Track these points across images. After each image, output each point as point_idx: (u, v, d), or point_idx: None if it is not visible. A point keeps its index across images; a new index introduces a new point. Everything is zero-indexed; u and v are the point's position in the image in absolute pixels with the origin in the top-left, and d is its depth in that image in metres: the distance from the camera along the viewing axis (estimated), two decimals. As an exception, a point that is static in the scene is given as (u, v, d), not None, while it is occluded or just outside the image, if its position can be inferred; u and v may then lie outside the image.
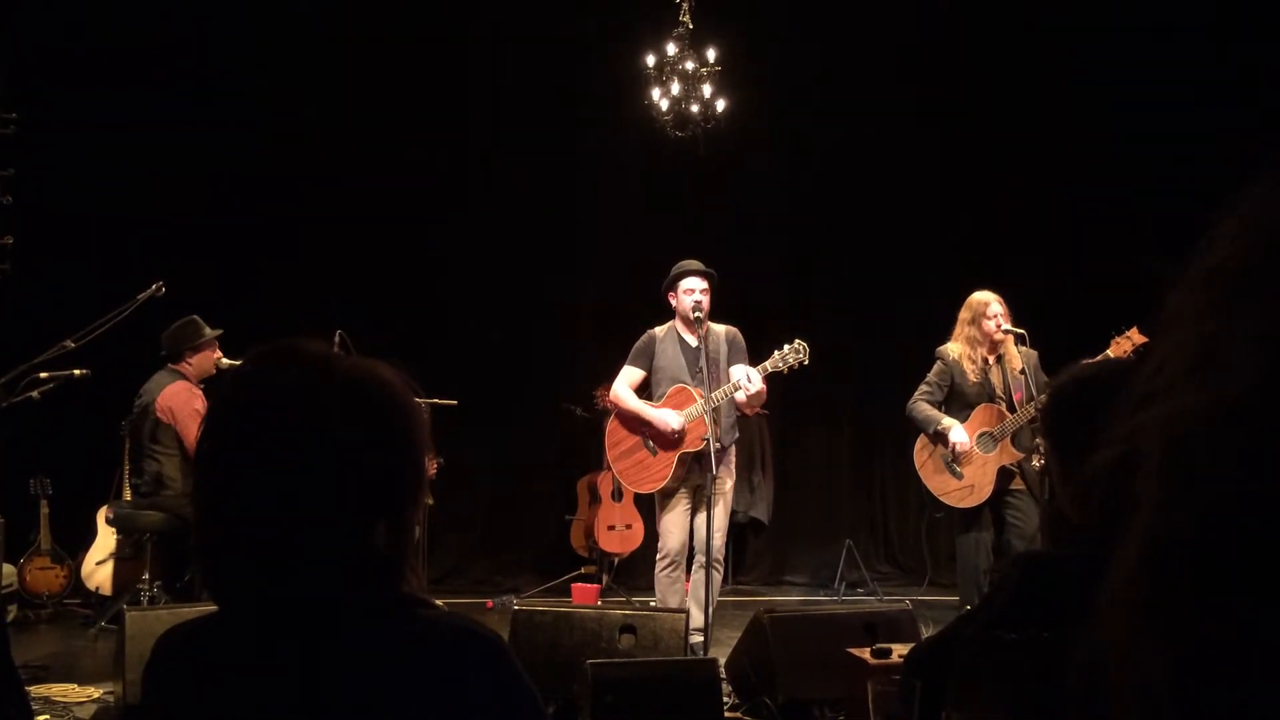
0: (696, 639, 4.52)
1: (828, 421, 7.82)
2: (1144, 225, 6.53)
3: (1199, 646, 0.42)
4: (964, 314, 5.03)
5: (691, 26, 6.03)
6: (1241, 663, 0.41)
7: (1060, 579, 1.41)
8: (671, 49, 6.04)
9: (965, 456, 4.91)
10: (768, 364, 4.71)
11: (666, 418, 4.73)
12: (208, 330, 5.43)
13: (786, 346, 4.72)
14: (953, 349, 5.03)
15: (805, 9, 7.38)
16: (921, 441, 5.12)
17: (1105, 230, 7.13)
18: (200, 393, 5.33)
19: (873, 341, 7.75)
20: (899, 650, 3.12)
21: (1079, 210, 7.38)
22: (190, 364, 5.38)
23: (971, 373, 4.95)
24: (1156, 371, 0.46)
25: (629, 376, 4.92)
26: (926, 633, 4.16)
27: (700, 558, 4.74)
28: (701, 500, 4.80)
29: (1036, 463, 4.80)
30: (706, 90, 6.11)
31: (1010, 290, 5.13)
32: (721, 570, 4.89)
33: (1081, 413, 1.57)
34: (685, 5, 6.02)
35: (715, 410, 4.63)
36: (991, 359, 4.99)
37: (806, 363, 4.73)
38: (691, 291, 4.81)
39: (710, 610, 4.64)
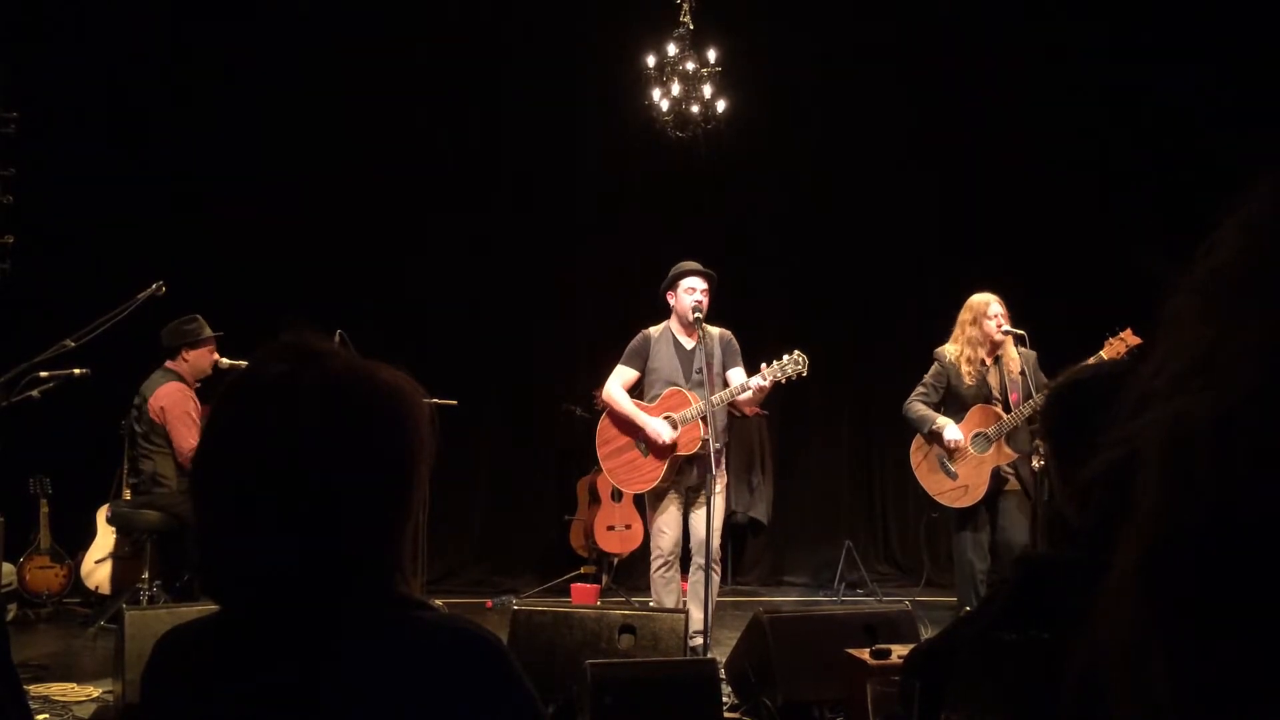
0: (696, 641, 4.52)
1: (827, 422, 7.82)
2: (1140, 225, 6.53)
3: (1199, 648, 0.42)
4: (964, 315, 5.04)
5: (692, 27, 6.04)
6: (1242, 664, 0.41)
7: (1059, 580, 1.41)
8: (672, 49, 6.04)
9: (959, 456, 4.93)
10: (766, 372, 4.70)
11: (660, 429, 4.72)
12: (208, 330, 5.44)
13: (786, 357, 4.73)
14: (950, 350, 5.05)
15: (805, 10, 7.38)
16: (917, 442, 5.14)
17: (1100, 231, 7.14)
18: (193, 395, 5.36)
19: (872, 342, 7.75)
20: (898, 651, 3.12)
21: (1076, 211, 7.38)
22: (186, 360, 5.39)
23: (968, 375, 4.96)
24: (1156, 374, 0.46)
25: (622, 376, 4.92)
26: (926, 634, 4.17)
27: (698, 559, 4.74)
28: (694, 500, 4.81)
29: (1036, 464, 4.81)
30: (707, 91, 6.11)
31: (1007, 291, 5.14)
32: (719, 571, 4.90)
33: (1079, 415, 1.57)
34: (685, 6, 6.02)
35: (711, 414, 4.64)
36: (989, 360, 5.00)
37: (805, 374, 4.74)
38: (693, 291, 4.81)
39: (709, 611, 4.64)
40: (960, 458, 4.94)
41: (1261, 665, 0.41)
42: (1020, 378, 4.92)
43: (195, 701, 1.12)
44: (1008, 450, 4.89)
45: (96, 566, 6.04)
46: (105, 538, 6.02)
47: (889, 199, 7.67)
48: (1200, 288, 0.45)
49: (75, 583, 6.12)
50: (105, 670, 4.29)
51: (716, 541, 4.78)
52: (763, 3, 7.36)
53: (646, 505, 4.93)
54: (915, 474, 5.13)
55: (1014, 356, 4.97)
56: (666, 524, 4.80)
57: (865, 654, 3.22)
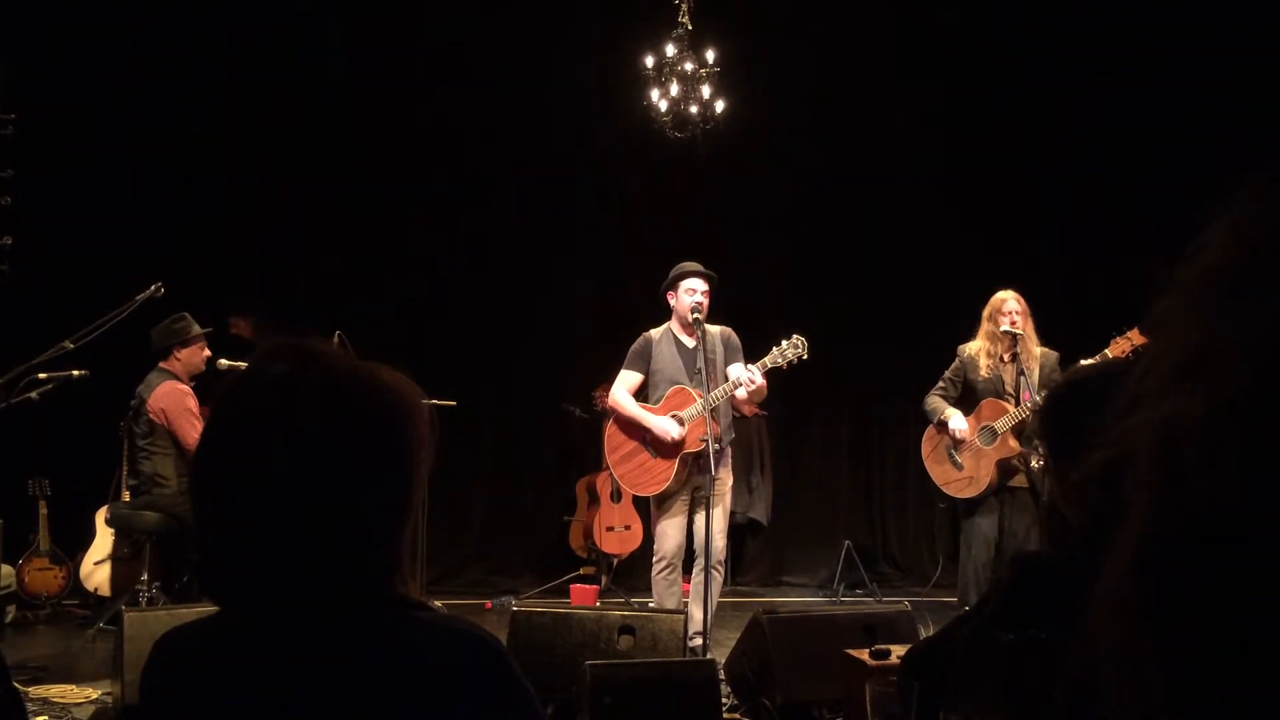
0: (696, 642, 4.51)
1: (827, 422, 7.83)
2: (1145, 225, 6.53)
3: (1192, 648, 0.43)
4: (985, 311, 5.16)
5: (690, 28, 6.04)
6: (1234, 664, 0.41)
7: (1056, 579, 1.41)
8: (670, 50, 6.04)
9: (965, 447, 5.00)
10: (767, 359, 4.71)
11: (667, 427, 4.69)
12: (197, 328, 5.45)
13: (785, 342, 4.73)
14: (971, 346, 5.18)
15: (804, 10, 7.38)
16: (929, 432, 5.28)
17: (1105, 230, 7.14)
18: (190, 391, 5.37)
19: (872, 343, 7.75)
20: (897, 651, 3.12)
21: (1079, 210, 7.38)
22: (179, 359, 5.41)
23: (985, 368, 5.06)
24: (1146, 374, 0.46)
25: (627, 380, 4.91)
26: (925, 634, 4.17)
27: (700, 560, 4.73)
28: (699, 502, 4.79)
29: (1035, 463, 4.84)
30: (705, 91, 6.11)
31: (1010, 290, 5.15)
32: (722, 573, 4.88)
33: (1075, 415, 1.57)
34: (684, 6, 6.02)
35: (714, 410, 4.62)
36: (1007, 357, 5.06)
37: (806, 357, 4.73)
38: (693, 292, 4.80)
39: (710, 612, 4.63)
40: (966, 449, 5.06)
41: (1255, 665, 0.41)
42: (1020, 378, 4.95)
43: (194, 703, 1.12)
44: (1013, 444, 4.95)
45: (95, 568, 6.04)
46: (104, 539, 6.02)
47: (889, 199, 7.67)
48: (1189, 287, 0.46)
49: (74, 584, 6.12)
50: (104, 672, 4.29)
51: (720, 542, 4.76)
52: (761, 3, 7.36)
53: (652, 507, 4.90)
54: (925, 464, 5.26)
55: (1034, 354, 5.01)
56: (670, 527, 4.79)
57: (864, 654, 3.22)
